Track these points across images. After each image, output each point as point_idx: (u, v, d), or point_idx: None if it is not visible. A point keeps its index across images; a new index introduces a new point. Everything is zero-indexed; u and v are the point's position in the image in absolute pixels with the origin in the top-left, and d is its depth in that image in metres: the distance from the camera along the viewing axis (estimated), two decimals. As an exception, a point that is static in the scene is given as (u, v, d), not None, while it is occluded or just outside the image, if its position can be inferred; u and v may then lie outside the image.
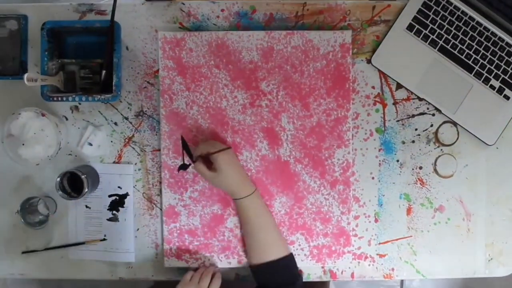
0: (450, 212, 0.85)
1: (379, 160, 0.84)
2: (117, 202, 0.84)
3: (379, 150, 0.84)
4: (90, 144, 0.81)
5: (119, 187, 0.84)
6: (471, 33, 0.83)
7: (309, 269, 0.85)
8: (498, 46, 0.83)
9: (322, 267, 0.85)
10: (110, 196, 0.84)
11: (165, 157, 0.83)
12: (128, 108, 0.84)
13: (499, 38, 0.82)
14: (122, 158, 0.84)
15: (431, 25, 0.83)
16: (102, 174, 0.83)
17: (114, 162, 0.84)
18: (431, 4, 0.82)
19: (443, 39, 0.83)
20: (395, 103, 0.84)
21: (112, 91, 0.77)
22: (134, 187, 0.84)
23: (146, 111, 0.84)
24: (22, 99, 0.83)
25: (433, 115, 0.84)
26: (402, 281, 1.57)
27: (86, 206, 0.84)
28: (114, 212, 0.84)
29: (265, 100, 0.83)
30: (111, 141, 0.84)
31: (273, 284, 0.74)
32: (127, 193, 0.84)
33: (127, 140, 0.84)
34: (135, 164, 0.84)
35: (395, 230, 0.85)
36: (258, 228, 0.75)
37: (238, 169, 0.77)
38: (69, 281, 0.85)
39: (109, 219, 0.84)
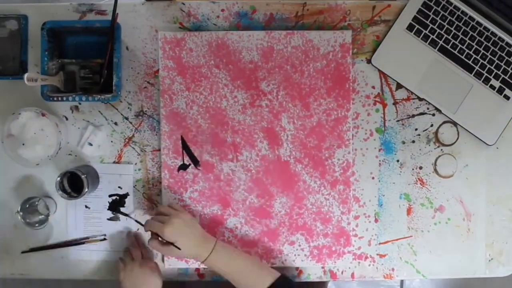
0: (450, 212, 0.85)
1: (379, 160, 0.84)
2: (118, 202, 0.83)
3: (379, 150, 0.84)
4: (90, 144, 0.81)
5: (119, 187, 0.84)
6: (471, 33, 0.83)
7: (309, 269, 0.85)
8: (498, 46, 0.83)
9: (322, 267, 0.85)
10: (110, 196, 0.84)
11: (165, 157, 0.83)
12: (128, 108, 0.84)
13: (499, 38, 0.82)
14: (122, 158, 0.84)
15: (431, 25, 0.83)
16: (102, 174, 0.83)
17: (114, 162, 0.84)
18: (431, 4, 0.82)
19: (443, 39, 0.83)
20: (395, 103, 0.84)
21: (112, 91, 0.77)
22: (134, 187, 0.84)
23: (146, 111, 0.84)
24: (22, 99, 0.83)
25: (433, 115, 0.84)
26: (402, 281, 1.57)
27: (86, 206, 0.84)
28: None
29: (265, 100, 0.83)
30: (111, 141, 0.84)
31: None
32: (127, 193, 0.84)
33: (127, 140, 0.84)
34: (135, 164, 0.84)
35: (395, 230, 0.84)
36: (236, 274, 0.74)
37: (190, 235, 0.73)
38: (69, 281, 0.85)
39: (110, 219, 0.84)
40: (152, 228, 0.73)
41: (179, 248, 0.71)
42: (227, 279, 0.74)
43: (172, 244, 0.71)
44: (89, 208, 0.84)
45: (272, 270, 0.75)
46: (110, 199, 0.83)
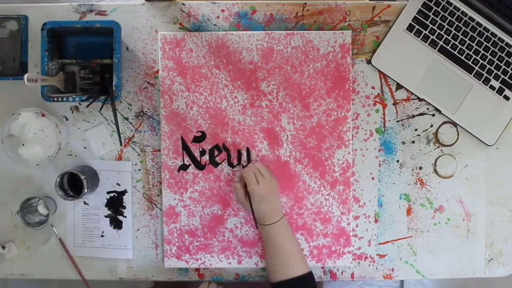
0: (450, 213, 0.85)
1: (379, 161, 0.84)
2: (116, 199, 0.84)
3: (379, 151, 0.84)
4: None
5: (117, 184, 0.84)
6: (471, 33, 0.83)
7: (309, 269, 0.85)
8: (498, 47, 0.83)
9: (322, 268, 0.85)
10: (108, 193, 0.84)
11: (165, 157, 0.83)
12: (128, 108, 0.84)
13: (499, 38, 0.83)
14: (122, 159, 0.84)
15: (431, 26, 0.83)
16: (100, 171, 0.84)
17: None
18: (431, 4, 0.82)
19: (443, 39, 0.83)
20: (395, 104, 0.84)
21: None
22: (134, 187, 0.84)
23: (146, 111, 0.84)
24: (22, 99, 0.83)
25: (433, 115, 0.84)
26: (402, 281, 1.57)
27: (85, 203, 0.84)
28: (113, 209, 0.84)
29: (265, 100, 0.83)
30: (113, 143, 0.84)
31: None
32: (125, 190, 0.84)
33: (127, 140, 0.84)
34: (135, 164, 0.84)
35: (395, 230, 0.85)
36: (283, 251, 0.76)
37: (271, 200, 0.77)
38: (69, 281, 0.85)
39: (107, 216, 0.84)
40: (249, 177, 0.77)
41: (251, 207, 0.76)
42: (269, 251, 0.77)
43: (248, 197, 0.76)
44: (87, 204, 0.84)
45: (307, 265, 0.78)
46: (108, 196, 0.84)
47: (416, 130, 0.84)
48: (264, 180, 0.77)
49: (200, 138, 0.83)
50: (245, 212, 0.83)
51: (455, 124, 0.84)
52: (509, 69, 0.83)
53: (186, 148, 0.83)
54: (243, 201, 0.78)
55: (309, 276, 0.75)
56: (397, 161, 0.84)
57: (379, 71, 0.84)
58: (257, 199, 0.75)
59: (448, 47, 0.83)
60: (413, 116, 0.84)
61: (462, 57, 0.83)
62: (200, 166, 0.83)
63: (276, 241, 0.76)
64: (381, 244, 0.85)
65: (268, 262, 0.78)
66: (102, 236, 0.84)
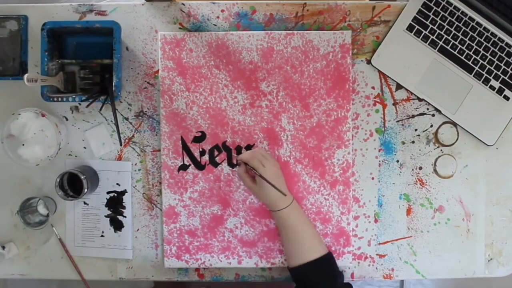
0: (450, 213, 0.85)
1: (379, 161, 0.84)
2: (116, 199, 0.84)
3: (379, 151, 0.84)
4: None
5: (117, 184, 0.84)
6: (470, 33, 0.83)
7: (309, 269, 0.85)
8: (498, 47, 0.83)
9: (322, 268, 0.85)
10: (108, 193, 0.84)
11: (165, 157, 0.83)
12: (128, 108, 0.84)
13: (499, 38, 0.83)
14: (122, 159, 0.84)
15: (431, 26, 0.83)
16: (100, 171, 0.84)
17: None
18: (431, 4, 0.82)
19: (443, 39, 0.83)
20: (395, 104, 0.84)
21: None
22: (134, 187, 0.84)
23: (146, 111, 0.84)
24: (22, 99, 0.83)
25: (433, 115, 0.84)
26: (402, 281, 1.57)
27: (85, 203, 0.84)
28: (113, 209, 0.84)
29: (265, 100, 0.83)
30: (113, 143, 0.84)
31: (315, 283, 0.74)
32: (125, 190, 0.84)
33: (127, 140, 0.84)
34: (135, 164, 0.84)
35: (395, 230, 0.85)
36: (298, 235, 0.76)
37: (280, 183, 0.77)
38: (69, 281, 0.85)
39: (107, 216, 0.84)
40: (253, 162, 0.75)
41: (267, 181, 0.74)
42: (284, 236, 0.77)
43: (264, 179, 0.74)
44: (87, 204, 0.84)
45: (324, 245, 0.78)
46: (108, 196, 0.84)
47: (416, 130, 0.84)
48: (270, 162, 0.77)
49: (200, 138, 0.83)
50: (245, 212, 0.83)
51: (455, 124, 0.84)
52: (509, 69, 0.83)
53: (186, 148, 0.83)
54: (251, 185, 0.77)
55: (327, 257, 0.76)
56: (397, 161, 0.84)
57: (379, 71, 0.84)
58: (265, 182, 0.75)
59: (448, 47, 0.83)
60: (413, 116, 0.84)
61: (462, 57, 0.83)
62: (200, 166, 0.83)
63: (291, 226, 0.76)
64: (381, 244, 0.85)
65: (284, 247, 0.78)
66: (102, 236, 0.84)
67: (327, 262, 0.76)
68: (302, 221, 0.78)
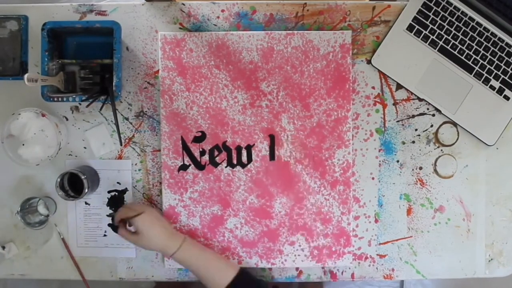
0: (450, 213, 0.85)
1: (379, 161, 0.84)
2: (117, 198, 0.84)
3: (379, 151, 0.84)
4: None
5: (118, 182, 0.84)
6: (471, 33, 0.83)
7: (310, 269, 0.85)
8: (498, 47, 0.83)
9: (323, 268, 0.85)
10: (109, 192, 0.84)
11: (165, 157, 0.83)
12: (128, 108, 0.84)
13: (499, 38, 0.83)
14: (122, 159, 0.84)
15: (431, 26, 0.83)
16: (100, 170, 0.84)
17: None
18: (431, 4, 0.82)
19: (443, 39, 0.83)
20: (395, 104, 0.84)
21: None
22: (134, 187, 0.84)
23: (146, 111, 0.84)
24: (22, 99, 0.83)
25: (433, 115, 0.84)
26: (402, 282, 1.57)
27: (86, 203, 0.84)
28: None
29: (265, 100, 0.83)
30: (113, 143, 0.84)
31: None
32: (126, 188, 0.84)
33: (127, 140, 0.84)
34: (135, 164, 0.84)
35: (395, 230, 0.85)
36: (202, 270, 0.75)
37: (160, 228, 0.75)
38: (69, 281, 0.85)
39: (109, 215, 0.84)
40: (124, 214, 0.75)
41: (138, 214, 0.73)
42: (193, 272, 0.76)
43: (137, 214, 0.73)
44: (88, 204, 0.84)
45: (234, 264, 0.78)
46: (109, 195, 0.84)
47: (416, 130, 0.84)
48: (141, 207, 0.76)
49: (200, 138, 0.83)
50: (245, 212, 0.83)
51: (455, 124, 0.84)
52: (509, 69, 0.83)
53: (186, 148, 0.83)
54: (135, 239, 0.74)
55: (240, 274, 0.75)
56: (397, 161, 0.84)
57: (379, 71, 0.84)
58: (144, 229, 0.73)
59: (448, 47, 0.83)
60: (413, 116, 0.84)
61: (462, 57, 0.83)
62: (200, 166, 0.83)
63: (192, 265, 0.75)
64: (381, 244, 0.85)
65: (204, 282, 0.77)
66: (104, 235, 0.84)
67: (244, 278, 0.76)
68: (200, 257, 0.76)
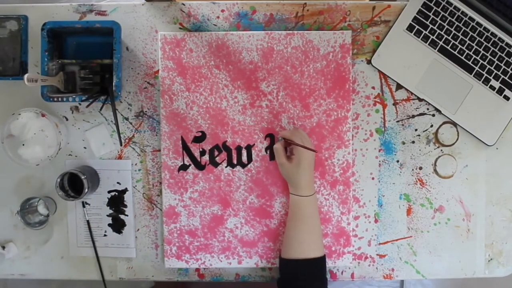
0: (450, 213, 0.85)
1: (379, 161, 0.84)
2: (117, 198, 0.84)
3: (379, 151, 0.84)
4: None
5: (118, 182, 0.84)
6: (471, 33, 0.83)
7: (309, 269, 0.85)
8: (498, 47, 0.83)
9: (322, 268, 0.85)
10: (109, 192, 0.84)
11: (165, 157, 0.83)
12: (128, 108, 0.84)
13: (499, 38, 0.83)
14: (122, 159, 0.84)
15: (431, 26, 0.83)
16: (100, 170, 0.84)
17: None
18: (431, 4, 0.82)
19: (443, 39, 0.83)
20: (395, 104, 0.84)
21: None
22: (134, 187, 0.84)
23: (146, 111, 0.84)
24: (22, 99, 0.83)
25: (433, 115, 0.84)
26: (402, 282, 1.58)
27: (86, 203, 0.84)
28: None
29: (265, 100, 0.83)
30: (113, 143, 0.84)
31: (303, 281, 0.74)
32: (126, 188, 0.84)
33: (127, 140, 0.84)
34: (135, 164, 0.84)
35: (395, 230, 0.85)
36: (306, 227, 0.76)
37: (312, 172, 0.78)
38: (69, 281, 0.85)
39: (109, 215, 0.84)
40: (296, 138, 0.75)
41: (314, 151, 0.75)
42: (293, 225, 0.77)
43: (311, 149, 0.75)
44: (89, 204, 0.84)
45: (323, 247, 0.79)
46: (109, 195, 0.84)
47: (416, 130, 0.84)
48: (310, 146, 0.76)
49: (200, 138, 0.83)
50: (245, 212, 0.83)
51: (455, 124, 0.84)
52: (509, 69, 0.83)
53: (186, 148, 0.83)
54: (284, 162, 0.77)
55: (322, 259, 0.76)
56: (397, 161, 0.84)
57: (379, 71, 0.84)
58: (304, 164, 0.75)
59: (448, 47, 0.83)
60: (413, 116, 0.84)
61: (462, 57, 0.83)
62: (200, 166, 0.83)
63: (305, 215, 0.76)
64: (381, 244, 0.85)
65: (286, 236, 0.78)
66: (105, 235, 0.84)
67: (320, 264, 0.76)
68: (316, 216, 0.78)
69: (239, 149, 0.83)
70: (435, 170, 0.85)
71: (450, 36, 0.83)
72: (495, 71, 0.83)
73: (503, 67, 0.83)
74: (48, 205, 0.81)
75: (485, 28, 0.83)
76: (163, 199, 0.83)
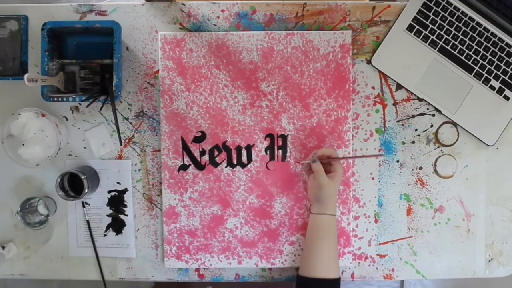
0: (450, 213, 0.85)
1: (379, 161, 0.84)
2: (117, 198, 0.84)
3: (379, 151, 0.84)
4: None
5: (118, 182, 0.84)
6: (471, 33, 0.83)
7: (309, 269, 0.85)
8: (498, 47, 0.83)
9: (322, 268, 0.85)
10: (109, 192, 0.84)
11: (165, 157, 0.83)
12: (128, 108, 0.84)
13: (499, 38, 0.83)
14: (122, 159, 0.84)
15: (431, 26, 0.83)
16: (100, 170, 0.84)
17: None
18: (431, 4, 0.82)
19: (443, 39, 0.83)
20: (395, 104, 0.84)
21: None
22: (134, 187, 0.84)
23: (146, 111, 0.84)
24: (22, 99, 0.83)
25: (433, 115, 0.84)
26: (402, 282, 1.57)
27: (86, 203, 0.84)
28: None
29: (265, 100, 0.83)
30: (113, 143, 0.84)
31: None
32: (126, 188, 0.84)
33: (127, 140, 0.84)
34: (135, 164, 0.84)
35: (395, 230, 0.85)
36: (326, 247, 0.76)
37: (337, 191, 0.79)
38: (69, 281, 0.85)
39: (109, 215, 0.84)
40: (334, 154, 0.77)
41: (381, 155, 0.79)
42: (313, 244, 0.76)
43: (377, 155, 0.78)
44: (89, 204, 0.84)
45: (338, 269, 0.78)
46: (109, 195, 0.84)
47: (416, 130, 0.84)
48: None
49: (200, 138, 0.83)
50: (245, 212, 0.83)
51: (455, 124, 0.84)
52: (509, 69, 0.83)
53: (186, 148, 0.83)
54: (328, 181, 0.75)
55: (337, 282, 0.76)
56: (397, 161, 0.84)
57: (379, 71, 0.84)
58: (340, 180, 0.77)
59: (448, 47, 0.83)
60: (413, 116, 0.84)
61: (462, 57, 0.83)
62: (200, 166, 0.83)
63: (326, 235, 0.76)
64: (381, 244, 0.85)
65: (305, 254, 0.78)
66: (104, 235, 0.84)
67: (338, 286, 0.76)
68: (335, 237, 0.77)
69: (239, 149, 0.83)
70: (435, 170, 0.85)
71: (450, 36, 0.83)
72: (495, 71, 0.83)
73: (503, 67, 0.83)
74: (48, 205, 0.81)
75: (485, 28, 0.83)
76: (163, 199, 0.83)
